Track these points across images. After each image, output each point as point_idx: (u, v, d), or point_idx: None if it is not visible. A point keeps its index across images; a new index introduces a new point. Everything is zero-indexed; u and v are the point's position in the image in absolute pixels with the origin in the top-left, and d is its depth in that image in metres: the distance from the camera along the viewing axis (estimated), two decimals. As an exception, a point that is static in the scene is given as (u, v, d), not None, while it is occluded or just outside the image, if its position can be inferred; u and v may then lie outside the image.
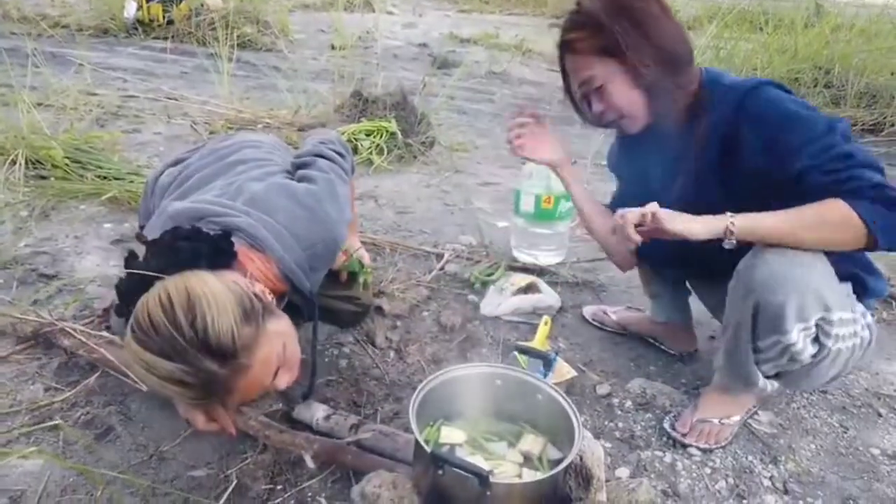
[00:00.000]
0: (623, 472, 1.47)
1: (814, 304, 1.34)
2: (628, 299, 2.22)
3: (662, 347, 1.98)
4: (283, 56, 5.52)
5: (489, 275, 2.26)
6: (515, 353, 1.81)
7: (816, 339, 1.41)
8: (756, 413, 1.69)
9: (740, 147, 1.40)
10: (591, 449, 1.24)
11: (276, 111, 4.04)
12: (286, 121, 3.89)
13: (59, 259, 2.27)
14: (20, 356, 1.75)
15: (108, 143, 3.24)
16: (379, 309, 2.00)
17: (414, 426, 1.17)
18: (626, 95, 1.45)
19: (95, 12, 6.60)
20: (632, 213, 1.34)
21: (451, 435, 1.30)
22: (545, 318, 1.90)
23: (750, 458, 1.56)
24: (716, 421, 1.59)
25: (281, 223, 1.40)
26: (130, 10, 6.45)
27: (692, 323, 1.95)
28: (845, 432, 1.69)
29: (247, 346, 1.14)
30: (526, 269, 2.34)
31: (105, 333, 1.74)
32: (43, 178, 2.86)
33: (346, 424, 1.46)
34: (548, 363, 1.75)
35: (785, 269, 1.32)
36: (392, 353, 1.86)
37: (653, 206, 1.33)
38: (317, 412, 1.52)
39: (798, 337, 1.38)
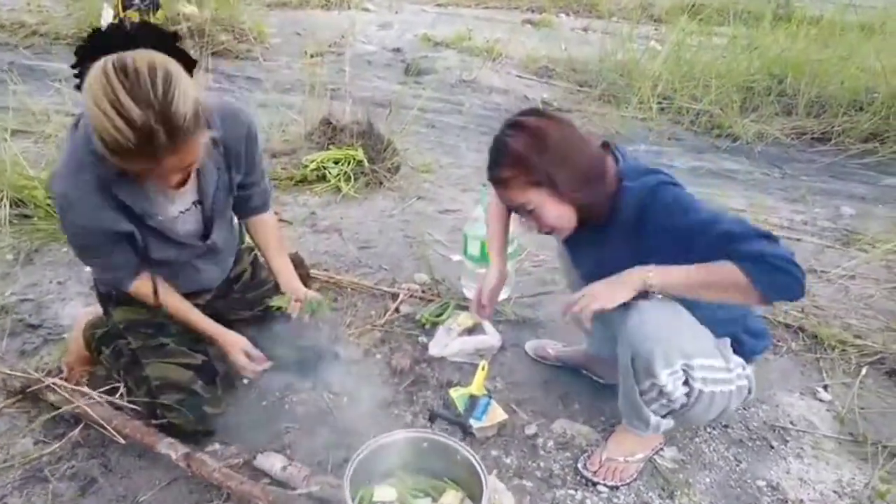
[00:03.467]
0: (538, 511, 1.72)
1: (676, 352, 1.59)
2: (564, 335, 2.47)
3: (594, 378, 2.22)
4: (259, 64, 5.68)
5: (439, 315, 2.49)
6: (453, 399, 2.05)
7: (687, 382, 1.66)
8: (662, 449, 1.94)
9: (648, 232, 1.63)
10: (500, 500, 1.48)
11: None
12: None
13: (44, 306, 2.47)
14: (11, 409, 1.96)
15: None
16: (335, 356, 2.23)
17: (346, 494, 1.40)
18: (555, 213, 1.69)
19: (73, 20, 6.69)
20: (574, 307, 1.65)
21: (382, 493, 1.54)
22: (482, 362, 2.13)
23: (650, 493, 1.82)
24: (621, 459, 1.84)
25: None
26: (107, 18, 6.54)
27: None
28: (738, 465, 1.94)
29: (188, 135, 1.40)
30: (473, 308, 2.57)
31: (86, 389, 1.95)
32: (27, 216, 3.04)
33: (299, 476, 1.70)
34: (482, 407, 1.99)
35: (652, 322, 1.60)
36: (345, 400, 2.09)
37: (583, 300, 1.63)
38: (275, 463, 1.75)
39: (668, 380, 1.63)
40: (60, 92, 4.33)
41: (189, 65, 1.48)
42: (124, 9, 6.45)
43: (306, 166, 3.78)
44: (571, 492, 1.80)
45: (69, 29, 6.49)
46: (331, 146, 3.93)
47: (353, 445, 1.87)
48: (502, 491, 1.52)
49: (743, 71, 5.81)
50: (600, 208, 1.69)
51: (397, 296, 2.62)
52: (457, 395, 2.07)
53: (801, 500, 1.83)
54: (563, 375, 2.26)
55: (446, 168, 4.27)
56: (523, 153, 1.62)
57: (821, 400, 2.24)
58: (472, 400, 2.03)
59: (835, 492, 1.87)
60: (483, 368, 2.11)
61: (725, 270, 1.50)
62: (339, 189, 3.69)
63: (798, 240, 3.52)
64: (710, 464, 1.94)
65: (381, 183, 3.81)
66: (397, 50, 7.34)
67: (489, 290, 2.03)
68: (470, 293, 2.65)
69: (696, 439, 2.02)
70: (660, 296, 1.62)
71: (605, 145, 1.77)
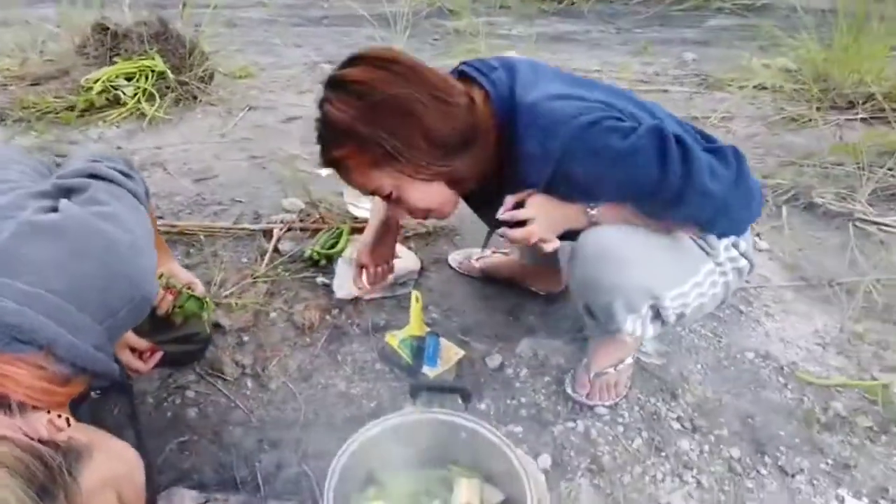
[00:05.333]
0: (545, 460, 1.37)
1: (640, 296, 1.27)
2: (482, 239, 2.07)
3: (532, 289, 1.88)
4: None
5: (332, 245, 1.97)
6: (393, 346, 1.60)
7: (659, 315, 1.36)
8: (641, 344, 1.67)
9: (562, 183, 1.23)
10: (535, 479, 1.10)
11: (-7, 62, 3.17)
12: (13, 74, 3.06)
13: None
14: None
15: None
16: (217, 327, 1.65)
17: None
18: (420, 195, 1.24)
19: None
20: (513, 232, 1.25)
21: (370, 513, 1.08)
22: (413, 293, 1.69)
23: (652, 400, 1.54)
24: (612, 370, 1.53)
25: (57, 290, 0.90)
26: None
27: (559, 264, 1.85)
28: (719, 341, 1.73)
29: None
30: (370, 228, 2.07)
31: None
32: None
33: (228, 513, 1.18)
34: (432, 349, 1.57)
35: (603, 275, 1.25)
36: (249, 382, 1.55)
37: (524, 231, 1.24)
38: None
39: (634, 325, 1.34)
40: None
41: None
42: None
43: (88, 89, 2.89)
44: (570, 424, 1.46)
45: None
46: (115, 59, 3.04)
47: (281, 443, 1.39)
48: (532, 468, 1.14)
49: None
50: (484, 172, 1.26)
51: (270, 232, 2.04)
52: (396, 340, 1.62)
53: (794, 363, 1.67)
54: (501, 289, 1.89)
55: (269, 70, 3.56)
56: (348, 123, 1.14)
57: (759, 249, 2.10)
58: (417, 342, 1.60)
59: (818, 344, 1.74)
60: (417, 300, 1.67)
61: (681, 225, 1.26)
62: (142, 114, 2.89)
63: (665, 91, 3.38)
64: (693, 347, 1.71)
65: (195, 97, 3.05)
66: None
67: (367, 249, 1.68)
68: (358, 210, 2.14)
69: (670, 324, 1.77)
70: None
71: (463, 76, 1.30)
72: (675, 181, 1.12)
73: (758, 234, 2.17)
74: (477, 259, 1.94)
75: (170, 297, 1.36)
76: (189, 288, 1.40)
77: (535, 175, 1.21)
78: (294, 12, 4.62)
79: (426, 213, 1.31)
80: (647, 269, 1.24)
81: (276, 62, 3.68)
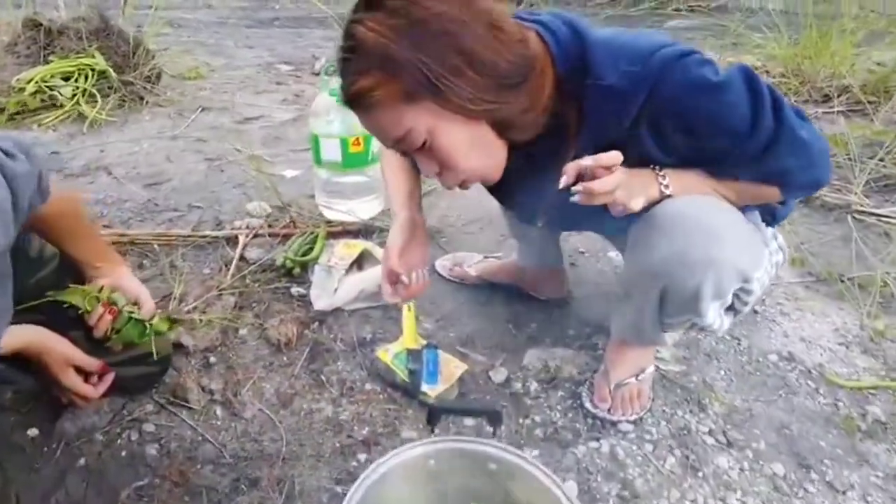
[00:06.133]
0: (571, 488, 1.19)
1: (732, 277, 1.09)
2: (472, 241, 1.90)
3: (532, 294, 1.71)
4: None
5: (306, 252, 1.76)
6: (386, 363, 1.40)
7: (731, 307, 1.22)
8: (658, 350, 1.51)
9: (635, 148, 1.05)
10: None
11: None
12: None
13: None
14: None
15: None
16: (180, 347, 1.42)
17: None
18: (464, 137, 1.00)
19: None
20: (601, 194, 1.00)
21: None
22: (406, 303, 1.49)
23: (679, 412, 1.38)
24: (633, 380, 1.37)
25: None
26: None
27: (563, 266, 1.69)
28: (738, 343, 1.59)
29: None
30: (347, 232, 1.88)
31: None
32: None
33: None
34: (432, 364, 1.38)
35: (695, 248, 1.05)
36: (219, 411, 1.33)
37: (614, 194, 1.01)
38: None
39: (715, 315, 1.18)
40: None
41: None
42: None
43: (20, 89, 2.60)
44: (593, 444, 1.29)
45: None
46: (50, 58, 2.76)
47: (261, 482, 1.18)
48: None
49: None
50: (537, 121, 1.05)
51: (235, 239, 1.82)
52: (389, 355, 1.42)
53: (821, 364, 1.54)
54: (497, 294, 1.71)
55: (221, 71, 3.32)
56: (382, 45, 0.92)
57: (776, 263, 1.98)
58: (413, 356, 1.40)
59: (840, 343, 1.61)
60: (409, 309, 1.48)
61: (766, 192, 1.13)
62: (81, 116, 2.61)
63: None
64: (713, 351, 1.56)
65: (141, 98, 2.79)
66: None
67: (396, 251, 1.24)
68: (332, 213, 1.94)
69: (683, 326, 1.62)
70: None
71: (520, 18, 1.08)
72: (768, 124, 0.99)
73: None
74: (470, 266, 1.76)
75: (108, 318, 1.13)
76: (135, 305, 1.18)
77: (618, 115, 1.01)
78: (244, 14, 4.39)
79: (466, 170, 1.04)
80: (737, 244, 1.07)
81: (229, 63, 3.44)
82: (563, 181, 0.99)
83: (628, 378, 1.36)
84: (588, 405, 1.36)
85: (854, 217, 2.13)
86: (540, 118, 1.05)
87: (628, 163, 1.01)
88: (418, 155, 1.03)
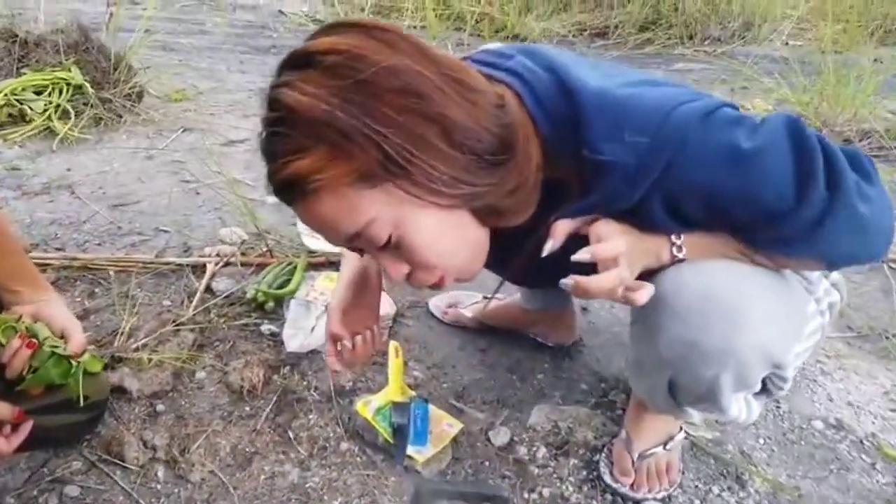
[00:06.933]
0: (590, 586, 0.96)
1: (759, 365, 0.87)
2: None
3: (538, 340, 1.49)
4: None
5: (282, 284, 1.54)
6: (366, 418, 1.18)
7: (764, 388, 0.98)
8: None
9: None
10: None
11: None
12: None
13: None
14: None
15: None
16: (120, 391, 1.19)
17: None
18: (438, 232, 0.79)
19: None
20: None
21: None
22: (392, 345, 1.28)
23: (714, 489, 1.16)
24: (660, 450, 1.14)
25: None
26: None
27: (572, 308, 1.48)
28: (779, 408, 1.37)
29: None
30: (331, 263, 1.67)
31: None
32: None
33: None
34: (420, 421, 1.16)
35: (710, 333, 0.83)
36: (161, 472, 1.09)
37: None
38: None
39: (740, 407, 0.97)
40: None
41: None
42: None
43: (-13, 102, 2.42)
44: (615, 527, 1.06)
45: None
46: (23, 70, 2.58)
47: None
48: None
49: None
50: (529, 199, 0.84)
51: (203, 268, 1.60)
52: (370, 410, 1.19)
53: (873, 434, 1.32)
54: (498, 340, 1.49)
55: (209, 94, 3.15)
56: (321, 111, 0.71)
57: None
58: (398, 410, 1.18)
59: (893, 410, 1.40)
60: (396, 354, 1.27)
61: (806, 263, 0.89)
62: (51, 132, 2.42)
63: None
64: (748, 415, 1.34)
65: (119, 116, 2.61)
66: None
67: (338, 312, 1.06)
68: (314, 242, 1.73)
69: (713, 384, 1.40)
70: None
71: (482, 64, 0.89)
72: (819, 196, 0.75)
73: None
74: (467, 307, 1.55)
75: (26, 353, 0.91)
76: (61, 339, 0.96)
77: (623, 193, 0.79)
78: (240, 41, 4.25)
79: (445, 267, 0.83)
80: (766, 324, 0.83)
81: (219, 87, 3.27)
82: (550, 246, 0.82)
83: (654, 447, 1.14)
84: (608, 479, 1.13)
85: (890, 266, 1.94)
86: (532, 196, 0.84)
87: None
88: (381, 254, 0.82)
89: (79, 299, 1.48)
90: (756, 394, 0.96)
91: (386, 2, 5.27)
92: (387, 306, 1.50)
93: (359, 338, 1.05)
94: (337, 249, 1.69)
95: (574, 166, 0.82)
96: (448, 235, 0.80)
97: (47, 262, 1.57)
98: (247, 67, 3.74)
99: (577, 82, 0.81)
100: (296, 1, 5.26)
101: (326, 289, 1.52)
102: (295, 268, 1.59)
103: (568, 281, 0.79)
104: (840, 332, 1.65)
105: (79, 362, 0.98)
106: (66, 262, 1.58)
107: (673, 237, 0.85)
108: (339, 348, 1.05)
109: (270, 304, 1.49)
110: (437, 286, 0.86)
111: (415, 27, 4.76)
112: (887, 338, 1.62)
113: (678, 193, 0.79)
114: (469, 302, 1.57)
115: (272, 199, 2.02)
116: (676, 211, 0.81)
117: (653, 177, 0.77)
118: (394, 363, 1.25)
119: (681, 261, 0.85)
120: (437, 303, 1.58)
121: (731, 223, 0.82)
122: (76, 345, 0.98)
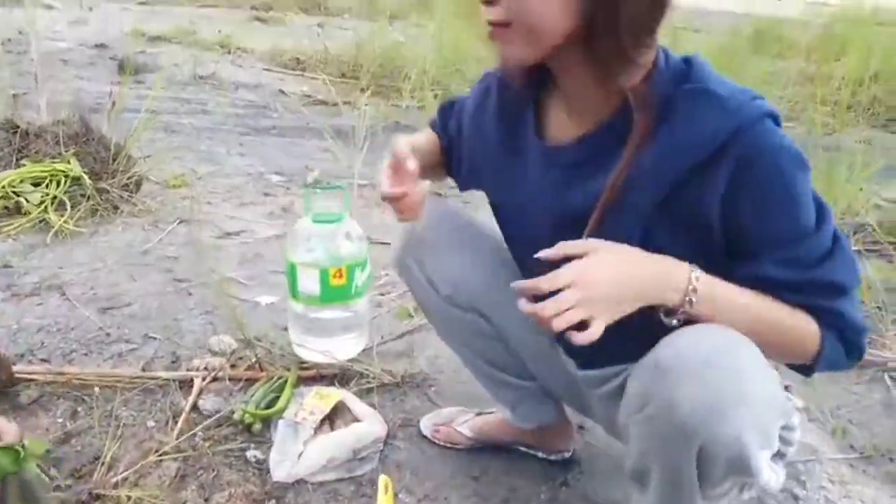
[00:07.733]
0: None
1: (773, 413, 0.87)
2: (466, 392, 1.65)
3: (531, 453, 1.45)
4: None
5: (270, 404, 1.50)
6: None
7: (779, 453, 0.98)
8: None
9: (699, 188, 0.87)
10: None
11: None
12: None
13: None
14: None
15: None
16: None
17: None
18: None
19: None
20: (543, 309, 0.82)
21: None
22: (382, 479, 1.23)
23: None
24: None
25: None
26: None
27: (567, 417, 1.44)
28: (784, 542, 1.32)
29: None
30: (322, 377, 1.63)
31: None
32: None
33: None
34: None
35: (719, 389, 0.81)
36: None
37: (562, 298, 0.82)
38: None
39: (769, 471, 0.93)
40: None
41: None
42: None
43: (-15, 195, 2.43)
44: None
45: None
46: (23, 161, 2.60)
47: None
48: None
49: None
50: (610, 66, 0.87)
51: (191, 383, 1.57)
52: (358, 557, 1.14)
53: (884, 575, 1.26)
54: (495, 463, 1.45)
55: (207, 179, 3.18)
56: None
57: (797, 408, 1.74)
58: (387, 559, 1.13)
59: (902, 543, 1.35)
60: (387, 489, 1.22)
61: (803, 328, 0.91)
62: (47, 225, 2.42)
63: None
64: (754, 552, 1.29)
65: (116, 207, 2.61)
66: (101, 46, 5.87)
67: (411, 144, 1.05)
68: (307, 353, 1.70)
69: None
70: (675, 321, 0.88)
71: None
72: (830, 227, 0.88)
73: (786, 387, 1.82)
74: (462, 425, 1.50)
75: None
76: None
77: (698, 138, 0.85)
78: (240, 121, 4.32)
79: (526, 19, 0.85)
80: (766, 377, 0.86)
81: (218, 170, 3.30)
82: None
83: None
84: None
85: (892, 377, 1.90)
86: (612, 98, 0.91)
87: (672, 220, 0.90)
88: None
89: (60, 420, 1.43)
90: (773, 457, 0.94)
91: (386, 81, 5.39)
92: (377, 428, 1.45)
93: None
94: (329, 360, 1.66)
95: (656, 110, 0.87)
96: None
97: (32, 376, 1.53)
98: (246, 149, 3.78)
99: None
100: (295, 82, 5.38)
101: (316, 407, 1.47)
102: (285, 383, 1.55)
103: (526, 307, 0.83)
104: (844, 454, 1.60)
105: (23, 445, 0.97)
106: (50, 376, 1.54)
107: (693, 270, 0.86)
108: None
109: (257, 426, 1.45)
110: (496, 35, 0.88)
111: (412, 107, 4.85)
112: (891, 459, 1.58)
113: (738, 171, 0.84)
114: (463, 419, 1.53)
115: (267, 300, 2.02)
116: (724, 203, 0.86)
117: (730, 128, 0.83)
118: (382, 500, 1.20)
119: (685, 311, 0.86)
120: (427, 422, 1.53)
121: (765, 231, 0.87)
122: (11, 436, 0.98)
